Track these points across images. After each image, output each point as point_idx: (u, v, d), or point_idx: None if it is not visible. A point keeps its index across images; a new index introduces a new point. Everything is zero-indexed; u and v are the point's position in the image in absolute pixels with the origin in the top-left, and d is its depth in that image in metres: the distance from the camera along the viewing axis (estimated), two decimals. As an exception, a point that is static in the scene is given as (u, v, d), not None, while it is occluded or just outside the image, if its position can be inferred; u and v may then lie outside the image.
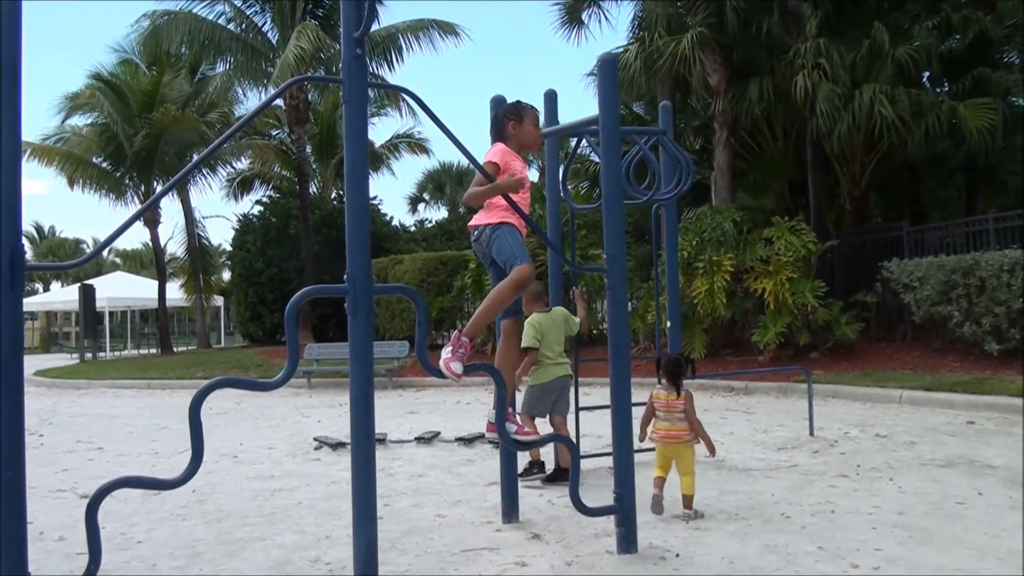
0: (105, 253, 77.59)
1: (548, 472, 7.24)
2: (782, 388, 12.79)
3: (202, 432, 3.92)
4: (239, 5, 23.80)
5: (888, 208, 21.57)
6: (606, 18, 21.07)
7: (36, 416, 14.29)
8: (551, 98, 7.32)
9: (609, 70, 4.96)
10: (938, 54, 16.47)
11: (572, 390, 7.38)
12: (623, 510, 4.93)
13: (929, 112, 15.47)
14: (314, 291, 4.16)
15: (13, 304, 3.49)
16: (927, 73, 17.69)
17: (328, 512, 6.32)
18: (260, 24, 24.07)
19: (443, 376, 4.49)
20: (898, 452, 7.94)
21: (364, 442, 4.20)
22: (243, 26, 23.80)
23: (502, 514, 5.88)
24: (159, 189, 28.64)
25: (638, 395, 9.77)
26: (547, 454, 7.55)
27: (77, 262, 4.11)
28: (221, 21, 23.53)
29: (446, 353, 4.55)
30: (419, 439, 9.61)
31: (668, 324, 8.39)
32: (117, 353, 38.08)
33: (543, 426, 7.27)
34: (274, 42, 23.80)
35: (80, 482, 8.01)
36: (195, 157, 29.86)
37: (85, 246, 74.02)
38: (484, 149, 5.13)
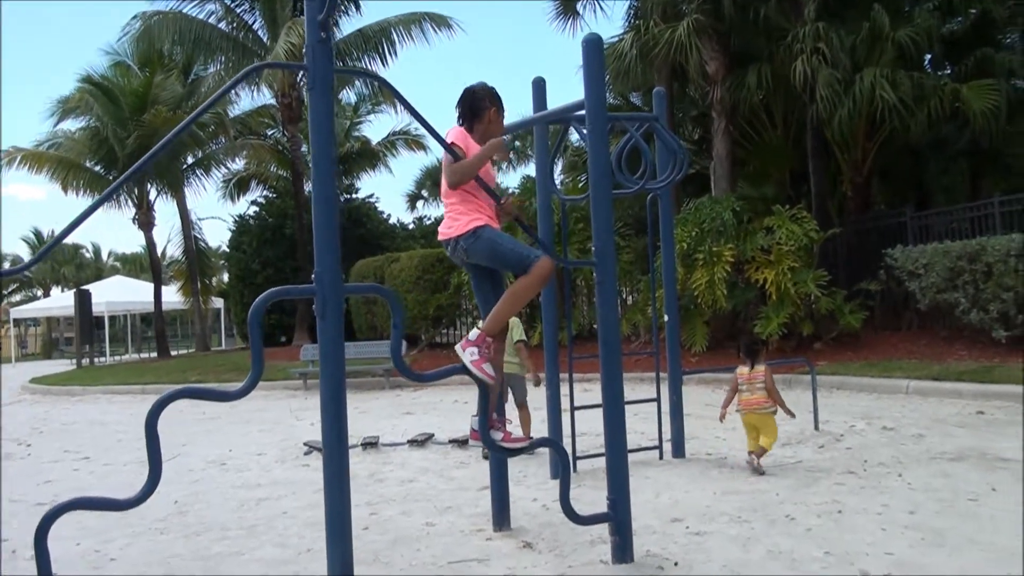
0: (105, 257, 77.44)
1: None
2: (786, 380, 12.43)
3: (159, 447, 3.68)
4: (229, 3, 23.53)
5: (891, 194, 21.24)
6: (601, 8, 20.85)
7: (27, 425, 14.06)
8: (539, 86, 7.05)
9: (594, 52, 4.68)
10: (939, 36, 16.17)
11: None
12: (617, 518, 4.65)
13: (931, 95, 15.15)
14: (279, 292, 3.89)
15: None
16: (928, 55, 17.37)
17: (313, 522, 6.04)
18: (250, 22, 23.82)
19: (418, 379, 4.25)
20: (906, 446, 7.66)
21: (337, 451, 3.96)
22: (233, 24, 23.55)
23: (493, 521, 5.61)
24: (152, 192, 28.41)
25: (638, 391, 9.53)
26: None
27: (26, 265, 3.85)
28: (212, 20, 23.29)
29: (473, 355, 4.27)
30: (412, 442, 9.33)
31: (666, 318, 8.12)
32: (117, 358, 37.87)
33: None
34: (265, 40, 23.55)
35: (61, 494, 7.74)
36: (189, 159, 29.64)
37: (84, 251, 73.79)
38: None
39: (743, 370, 7.03)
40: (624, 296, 19.41)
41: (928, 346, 13.28)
